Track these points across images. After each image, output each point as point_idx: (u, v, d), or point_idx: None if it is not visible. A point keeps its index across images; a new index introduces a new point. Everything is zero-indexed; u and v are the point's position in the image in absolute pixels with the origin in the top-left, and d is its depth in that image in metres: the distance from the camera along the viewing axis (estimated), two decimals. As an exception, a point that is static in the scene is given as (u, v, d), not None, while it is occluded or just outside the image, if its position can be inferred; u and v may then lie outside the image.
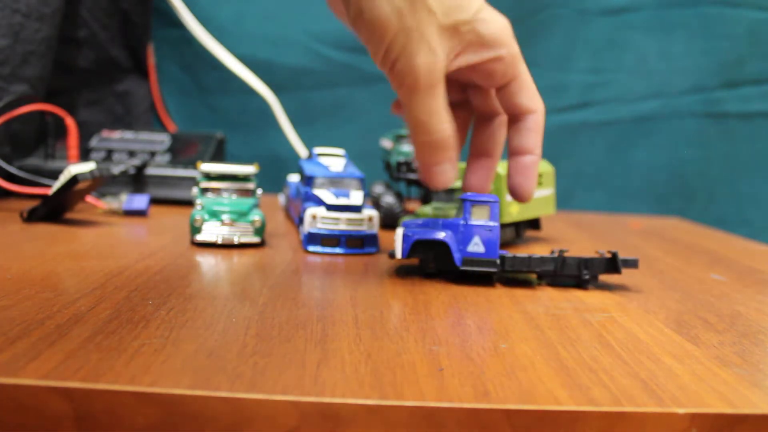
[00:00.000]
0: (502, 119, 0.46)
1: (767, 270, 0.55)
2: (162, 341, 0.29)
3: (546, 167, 0.60)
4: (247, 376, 0.26)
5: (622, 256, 0.44)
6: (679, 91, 0.90)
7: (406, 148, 0.64)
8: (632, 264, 0.44)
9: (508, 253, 0.44)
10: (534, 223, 0.61)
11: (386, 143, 0.68)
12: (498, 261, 0.43)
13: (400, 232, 0.44)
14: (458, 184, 0.54)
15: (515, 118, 0.45)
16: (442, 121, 0.40)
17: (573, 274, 0.44)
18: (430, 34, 0.39)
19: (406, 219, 0.53)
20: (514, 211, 0.56)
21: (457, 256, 0.43)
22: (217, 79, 0.91)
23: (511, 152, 0.45)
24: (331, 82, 0.91)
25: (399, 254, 0.43)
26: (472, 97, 0.46)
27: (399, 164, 0.62)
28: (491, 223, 0.43)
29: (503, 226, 0.55)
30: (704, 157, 0.91)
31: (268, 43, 0.91)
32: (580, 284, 0.44)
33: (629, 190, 0.93)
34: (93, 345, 0.29)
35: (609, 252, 0.44)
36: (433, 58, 0.39)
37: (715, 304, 0.42)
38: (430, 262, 0.45)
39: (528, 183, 0.45)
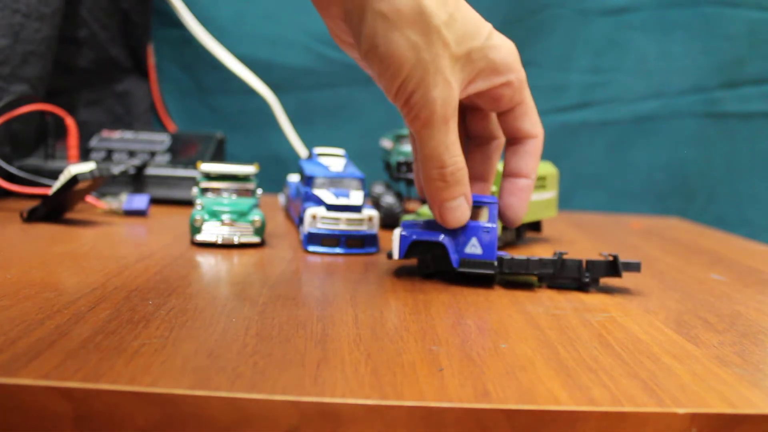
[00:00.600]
0: (499, 143, 0.46)
1: (767, 270, 0.55)
2: (162, 341, 0.30)
3: (550, 170, 0.60)
4: (247, 376, 0.26)
5: (623, 257, 0.44)
6: (679, 91, 0.90)
7: (406, 148, 0.64)
8: (634, 267, 0.44)
9: (507, 254, 0.44)
10: (535, 225, 0.61)
11: (386, 143, 0.68)
12: (495, 263, 0.43)
13: (397, 232, 0.43)
14: None
15: (515, 141, 0.44)
16: (454, 155, 0.40)
17: (573, 276, 0.44)
18: (444, 66, 0.38)
19: (406, 218, 0.53)
20: None
21: (454, 258, 0.43)
22: (217, 79, 0.91)
23: (507, 174, 0.45)
24: (331, 82, 0.92)
25: (396, 255, 0.43)
26: (470, 120, 0.46)
27: (399, 164, 0.62)
28: (489, 225, 0.43)
29: (505, 228, 0.55)
30: (704, 157, 0.91)
31: (268, 43, 0.91)
32: (581, 287, 0.44)
33: (629, 190, 0.93)
34: (93, 345, 0.29)
35: (611, 255, 0.44)
36: (448, 91, 0.38)
37: (715, 304, 0.42)
38: (428, 263, 0.44)
39: (520, 205, 0.45)
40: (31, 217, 0.56)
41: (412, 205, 0.71)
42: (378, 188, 0.64)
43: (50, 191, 0.55)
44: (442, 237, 0.43)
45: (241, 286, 0.40)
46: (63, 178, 0.54)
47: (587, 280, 0.43)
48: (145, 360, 0.27)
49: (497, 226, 0.43)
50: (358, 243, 0.51)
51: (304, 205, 0.52)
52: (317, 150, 0.59)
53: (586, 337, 0.34)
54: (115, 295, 0.36)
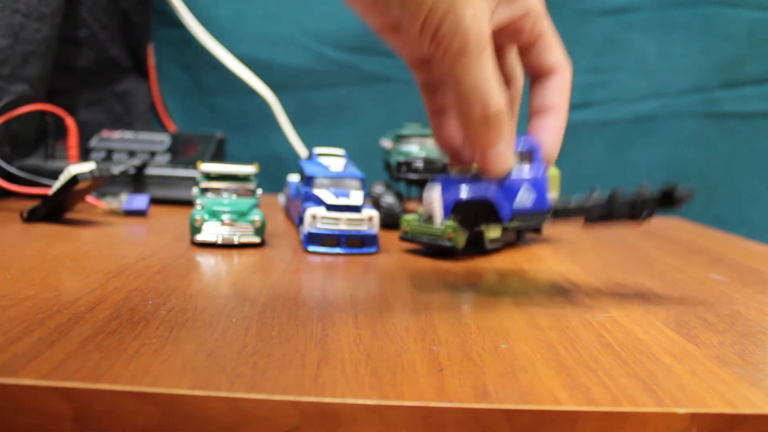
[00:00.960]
0: (518, 85, 0.42)
1: (767, 270, 0.55)
2: (162, 341, 0.29)
3: (552, 171, 0.60)
4: (247, 376, 0.26)
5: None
6: (679, 91, 0.90)
7: (406, 148, 0.64)
8: (686, 196, 0.39)
9: (556, 203, 0.40)
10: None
11: (386, 143, 0.68)
12: (548, 213, 0.39)
13: (437, 192, 0.38)
14: None
15: (540, 77, 0.40)
16: (495, 90, 0.35)
17: (626, 213, 0.40)
18: None
19: (405, 219, 0.53)
20: None
21: (504, 213, 0.38)
22: (217, 79, 0.91)
23: (533, 111, 0.40)
24: (331, 82, 0.91)
25: (439, 217, 0.38)
26: None
27: (399, 164, 0.62)
28: (536, 173, 0.38)
29: (504, 229, 0.55)
30: (704, 157, 0.91)
31: (268, 43, 0.91)
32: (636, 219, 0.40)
33: (629, 190, 0.93)
34: (93, 345, 0.29)
35: (666, 185, 0.40)
36: (479, 16, 0.34)
37: (715, 304, 0.42)
38: (472, 221, 0.39)
39: (552, 140, 0.39)
40: (31, 217, 0.56)
41: (412, 205, 0.71)
42: (378, 188, 0.64)
43: (50, 191, 0.55)
44: (489, 192, 0.37)
45: (241, 286, 0.40)
46: (63, 178, 0.54)
47: (643, 216, 0.40)
48: (145, 360, 0.27)
49: (546, 170, 0.39)
50: (358, 243, 0.51)
51: (304, 205, 0.52)
52: (317, 150, 0.59)
53: (586, 337, 0.34)
54: (115, 295, 0.36)
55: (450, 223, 0.50)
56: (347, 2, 0.40)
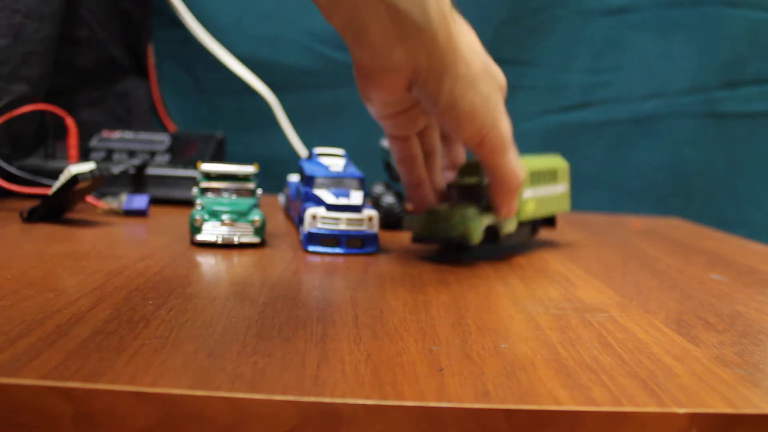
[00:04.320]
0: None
1: (767, 270, 0.55)
2: (162, 341, 0.30)
3: (560, 162, 0.59)
4: (247, 376, 0.26)
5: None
6: (679, 91, 0.90)
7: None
8: None
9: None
10: (549, 221, 0.60)
11: (386, 143, 0.68)
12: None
13: None
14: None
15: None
16: (521, 169, 0.48)
17: None
18: (501, 102, 0.45)
19: (407, 218, 0.53)
20: (530, 209, 0.55)
21: None
22: (217, 79, 0.91)
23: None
24: (331, 82, 0.91)
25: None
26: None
27: (399, 164, 0.62)
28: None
29: (520, 224, 0.54)
30: (704, 157, 0.91)
31: (268, 43, 0.91)
32: None
33: (629, 190, 0.93)
34: (93, 345, 0.29)
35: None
36: (507, 119, 0.46)
37: (715, 304, 0.42)
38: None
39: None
40: (31, 217, 0.56)
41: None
42: (378, 188, 0.64)
43: (50, 191, 0.55)
44: None
45: (241, 286, 0.40)
46: (63, 178, 0.54)
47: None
48: (145, 360, 0.27)
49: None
50: (358, 243, 0.51)
51: (304, 205, 0.52)
52: (317, 150, 0.59)
53: (586, 337, 0.34)
54: (115, 295, 0.36)
55: (458, 220, 0.49)
56: (365, 89, 0.45)
